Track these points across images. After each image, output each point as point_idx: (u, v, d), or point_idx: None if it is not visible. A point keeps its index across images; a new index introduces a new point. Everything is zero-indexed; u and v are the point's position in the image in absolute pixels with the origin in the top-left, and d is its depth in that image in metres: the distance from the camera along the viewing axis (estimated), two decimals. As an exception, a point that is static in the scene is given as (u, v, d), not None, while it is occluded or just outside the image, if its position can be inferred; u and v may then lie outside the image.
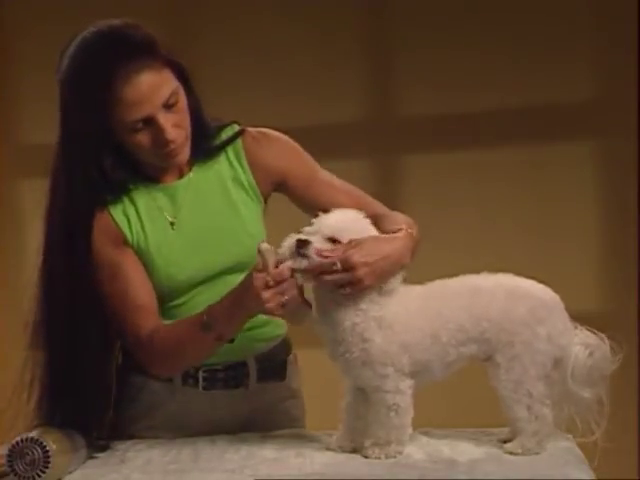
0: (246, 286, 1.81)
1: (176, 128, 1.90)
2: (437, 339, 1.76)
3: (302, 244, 1.74)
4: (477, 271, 1.82)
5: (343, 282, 1.75)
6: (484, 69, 3.51)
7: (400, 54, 3.59)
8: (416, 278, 1.83)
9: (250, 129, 2.08)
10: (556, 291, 1.82)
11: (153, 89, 1.85)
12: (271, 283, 1.77)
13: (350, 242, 1.76)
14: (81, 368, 1.93)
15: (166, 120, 1.88)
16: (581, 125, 3.51)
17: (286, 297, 1.78)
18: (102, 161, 1.92)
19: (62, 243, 1.92)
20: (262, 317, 1.91)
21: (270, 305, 1.78)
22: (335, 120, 3.61)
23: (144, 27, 1.91)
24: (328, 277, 1.74)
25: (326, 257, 1.74)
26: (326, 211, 1.80)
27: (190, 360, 1.98)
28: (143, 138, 1.89)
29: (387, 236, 1.83)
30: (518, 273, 1.83)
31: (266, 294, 1.78)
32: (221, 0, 3.67)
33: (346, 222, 1.79)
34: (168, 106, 1.88)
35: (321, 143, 3.54)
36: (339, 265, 1.74)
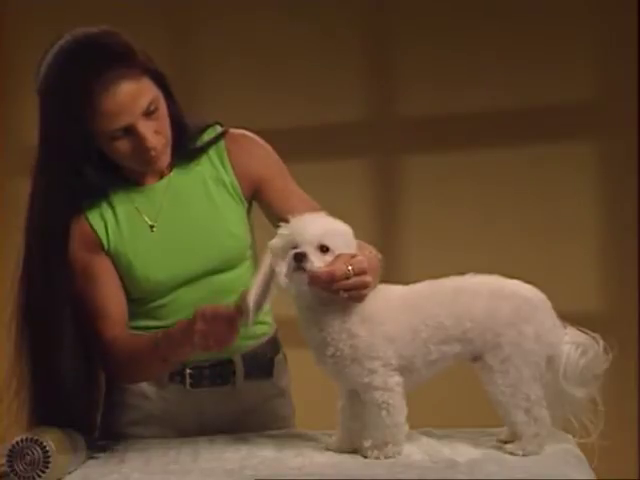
0: (194, 316, 1.83)
1: (156, 135, 1.89)
2: (417, 334, 1.75)
3: (301, 257, 1.71)
4: (478, 271, 1.82)
5: (352, 287, 1.72)
6: (484, 69, 3.51)
7: (400, 54, 3.59)
8: (416, 277, 1.83)
9: (232, 130, 2.07)
10: (556, 291, 1.81)
11: (132, 99, 1.84)
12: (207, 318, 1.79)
13: (339, 256, 1.72)
14: (61, 369, 1.90)
15: (146, 128, 1.87)
16: (581, 125, 3.51)
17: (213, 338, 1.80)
18: (82, 167, 1.91)
19: (39, 247, 1.91)
20: None
21: (198, 340, 1.81)
22: (335, 120, 3.60)
23: (122, 35, 1.89)
24: (341, 284, 1.71)
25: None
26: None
27: (144, 374, 2.00)
28: (123, 145, 1.89)
29: (372, 254, 1.83)
30: (518, 273, 1.82)
31: (199, 326, 1.80)
32: (221, 0, 3.67)
33: (331, 228, 1.76)
34: (148, 114, 1.87)
35: (321, 143, 3.56)
36: (352, 270, 1.71)
